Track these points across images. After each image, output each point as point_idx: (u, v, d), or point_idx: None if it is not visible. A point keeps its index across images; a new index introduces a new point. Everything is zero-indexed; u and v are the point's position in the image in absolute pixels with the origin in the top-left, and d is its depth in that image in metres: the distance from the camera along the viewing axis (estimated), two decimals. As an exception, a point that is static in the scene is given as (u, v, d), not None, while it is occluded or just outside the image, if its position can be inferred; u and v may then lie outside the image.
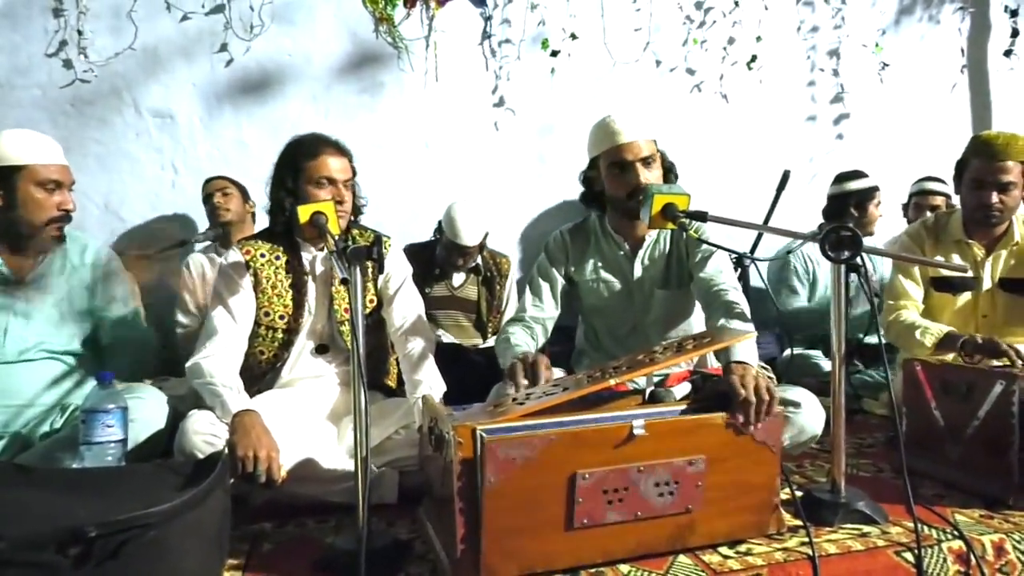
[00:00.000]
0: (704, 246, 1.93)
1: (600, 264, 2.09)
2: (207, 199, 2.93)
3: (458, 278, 3.01)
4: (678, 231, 1.99)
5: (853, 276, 1.55)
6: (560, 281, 2.10)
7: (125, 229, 3.10)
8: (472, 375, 2.29)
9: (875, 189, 3.13)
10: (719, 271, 1.94)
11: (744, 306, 1.82)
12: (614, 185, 1.97)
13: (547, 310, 2.07)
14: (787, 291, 3.09)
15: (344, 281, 1.30)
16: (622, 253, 2.08)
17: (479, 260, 3.02)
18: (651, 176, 1.90)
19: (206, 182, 2.97)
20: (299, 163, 1.88)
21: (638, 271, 2.06)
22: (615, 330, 2.14)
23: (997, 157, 2.15)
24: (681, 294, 2.06)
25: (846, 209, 3.10)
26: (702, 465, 1.39)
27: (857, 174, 3.17)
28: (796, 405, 1.80)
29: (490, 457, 1.23)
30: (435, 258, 2.97)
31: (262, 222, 2.96)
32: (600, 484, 1.32)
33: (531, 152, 3.47)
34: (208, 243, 2.95)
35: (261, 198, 2.95)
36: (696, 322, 2.15)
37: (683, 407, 1.47)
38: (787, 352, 2.94)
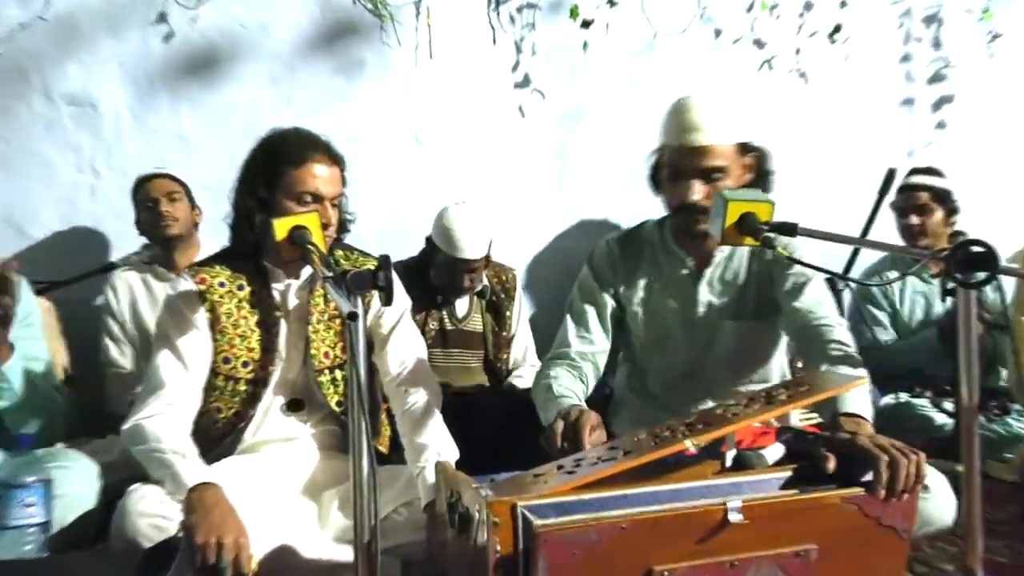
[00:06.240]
0: (796, 268, 1.95)
1: (656, 284, 2.10)
2: (147, 204, 2.89)
3: (462, 306, 3.02)
4: (759, 247, 2.00)
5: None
6: (609, 304, 2.11)
7: (32, 248, 3.10)
8: (485, 431, 2.29)
9: (916, 189, 3.00)
10: (819, 302, 1.95)
11: (852, 347, 1.83)
12: (667, 190, 2.01)
13: (596, 342, 2.07)
14: (871, 322, 3.11)
15: (352, 316, 1.30)
16: (685, 272, 2.09)
17: (484, 280, 3.03)
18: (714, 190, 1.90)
19: (143, 180, 2.92)
20: (278, 168, 1.89)
21: (704, 295, 2.07)
22: (668, 371, 2.15)
23: None
24: (759, 327, 2.08)
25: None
26: (813, 557, 1.37)
27: (925, 171, 3.14)
28: (923, 488, 1.78)
29: (544, 548, 1.22)
30: (432, 282, 2.96)
31: (205, 233, 3.00)
32: (682, 583, 1.31)
33: (549, 147, 3.50)
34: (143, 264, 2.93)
35: (205, 204, 2.99)
36: (775, 366, 2.15)
37: (780, 475, 1.46)
38: (886, 400, 2.94)
